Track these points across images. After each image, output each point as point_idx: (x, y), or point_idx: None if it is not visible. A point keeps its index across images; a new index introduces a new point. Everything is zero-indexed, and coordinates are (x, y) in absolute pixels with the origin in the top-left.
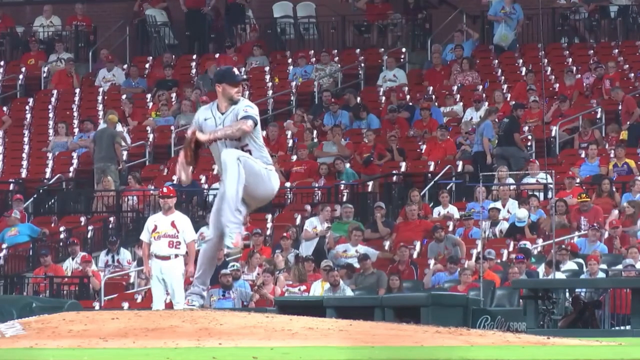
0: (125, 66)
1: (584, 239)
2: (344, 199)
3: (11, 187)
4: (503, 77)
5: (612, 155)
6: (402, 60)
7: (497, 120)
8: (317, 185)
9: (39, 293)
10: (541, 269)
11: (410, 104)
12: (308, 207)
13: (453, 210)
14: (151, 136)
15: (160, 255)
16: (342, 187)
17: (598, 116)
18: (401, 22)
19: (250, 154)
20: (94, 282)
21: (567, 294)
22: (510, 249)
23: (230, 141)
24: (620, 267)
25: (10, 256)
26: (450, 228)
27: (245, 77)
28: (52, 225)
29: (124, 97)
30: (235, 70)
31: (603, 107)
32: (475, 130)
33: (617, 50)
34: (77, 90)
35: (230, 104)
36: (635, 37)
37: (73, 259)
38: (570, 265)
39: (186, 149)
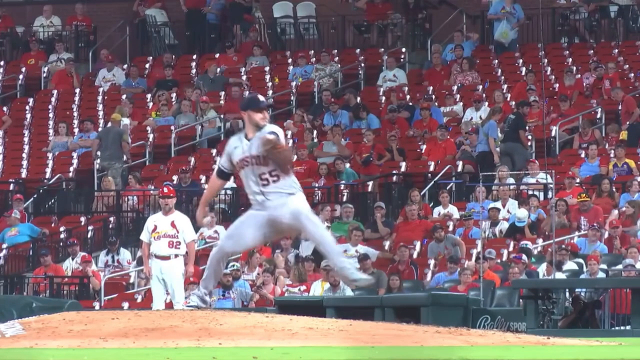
0: (125, 66)
1: (584, 239)
2: (344, 199)
3: (11, 187)
4: (503, 77)
5: (612, 155)
6: (402, 60)
7: (497, 121)
8: (317, 185)
9: (39, 293)
10: (542, 269)
11: (410, 104)
12: None
13: (453, 210)
14: (151, 136)
15: (160, 255)
16: (342, 187)
17: (598, 116)
18: (401, 22)
19: (278, 178)
20: (94, 282)
21: (567, 294)
22: (510, 249)
23: (257, 166)
24: (620, 267)
25: (10, 256)
26: (450, 228)
27: (269, 102)
28: (52, 225)
29: (124, 97)
30: (260, 96)
31: (603, 107)
32: (475, 130)
33: (617, 50)
34: (77, 90)
35: (256, 130)
36: (635, 37)
37: (73, 259)
38: (570, 265)
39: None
